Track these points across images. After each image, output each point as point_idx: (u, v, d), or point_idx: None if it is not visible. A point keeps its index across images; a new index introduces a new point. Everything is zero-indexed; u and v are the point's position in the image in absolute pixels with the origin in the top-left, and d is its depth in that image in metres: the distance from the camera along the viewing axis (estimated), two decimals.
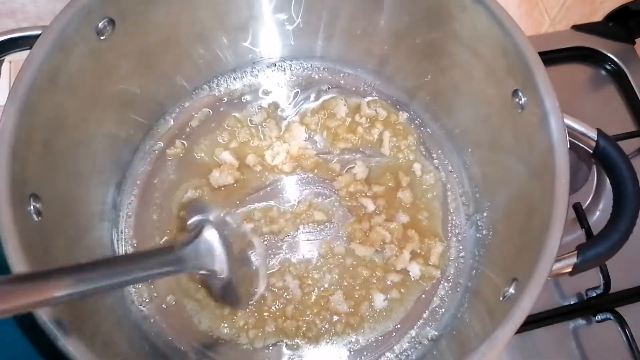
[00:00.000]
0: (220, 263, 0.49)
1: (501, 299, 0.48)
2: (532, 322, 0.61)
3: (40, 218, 0.46)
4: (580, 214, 0.63)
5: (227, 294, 0.54)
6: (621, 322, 0.60)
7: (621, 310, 0.62)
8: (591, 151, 0.48)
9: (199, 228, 0.50)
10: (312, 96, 0.72)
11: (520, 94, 0.51)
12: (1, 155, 0.43)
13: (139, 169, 0.68)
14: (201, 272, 0.50)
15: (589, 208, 0.68)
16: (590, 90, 0.76)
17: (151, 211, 0.65)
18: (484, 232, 0.63)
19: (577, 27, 0.79)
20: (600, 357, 0.62)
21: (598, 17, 0.79)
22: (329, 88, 0.72)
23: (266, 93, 0.72)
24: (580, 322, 0.63)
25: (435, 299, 0.63)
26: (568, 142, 0.45)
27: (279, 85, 0.73)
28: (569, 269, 0.44)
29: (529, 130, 0.50)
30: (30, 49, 0.48)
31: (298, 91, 0.72)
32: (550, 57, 0.76)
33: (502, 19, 0.50)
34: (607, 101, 0.76)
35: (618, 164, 0.46)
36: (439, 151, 0.69)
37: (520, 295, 0.43)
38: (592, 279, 0.63)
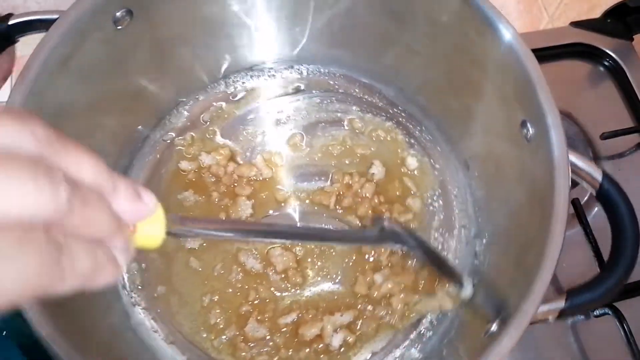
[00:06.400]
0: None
1: (483, 335, 0.47)
2: None
3: None
4: (578, 210, 0.63)
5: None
6: (619, 317, 0.60)
7: (619, 305, 0.61)
8: (594, 192, 0.46)
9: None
10: (326, 102, 0.71)
11: (528, 125, 0.49)
12: None
13: (147, 157, 0.68)
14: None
15: (587, 204, 0.67)
16: (588, 86, 0.77)
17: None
18: (481, 258, 0.61)
19: (576, 24, 0.79)
20: (599, 351, 0.61)
21: (596, 13, 0.80)
22: (343, 96, 0.72)
23: (280, 94, 0.72)
24: (579, 317, 0.63)
25: (424, 321, 0.62)
26: (570, 181, 0.44)
27: (294, 87, 0.72)
28: (556, 314, 0.43)
29: (533, 163, 0.49)
30: (45, 32, 0.49)
31: (312, 94, 0.72)
32: (549, 54, 0.77)
33: (517, 48, 0.48)
34: (605, 97, 0.76)
35: (621, 211, 0.44)
36: (448, 171, 0.68)
37: (501, 335, 0.42)
38: (591, 274, 0.62)
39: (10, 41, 0.50)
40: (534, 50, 0.74)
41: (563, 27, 0.80)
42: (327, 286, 0.62)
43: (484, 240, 0.62)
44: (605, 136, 0.70)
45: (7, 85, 0.62)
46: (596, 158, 0.73)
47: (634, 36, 0.79)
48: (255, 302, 0.61)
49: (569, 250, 0.65)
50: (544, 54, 0.77)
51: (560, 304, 0.43)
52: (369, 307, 0.60)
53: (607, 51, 0.77)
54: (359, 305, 0.61)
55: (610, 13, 0.79)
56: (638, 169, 0.73)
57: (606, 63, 0.78)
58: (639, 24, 0.78)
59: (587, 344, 0.61)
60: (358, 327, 0.60)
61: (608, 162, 0.73)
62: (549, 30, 0.82)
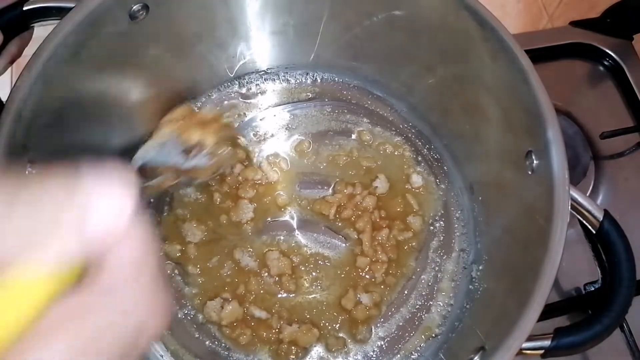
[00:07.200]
0: None
1: None
2: None
3: None
4: None
5: None
6: None
7: None
8: (594, 231, 0.45)
9: None
10: (337, 112, 0.71)
11: (533, 156, 0.48)
12: (5, 119, 0.44)
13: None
14: None
15: None
16: (588, 85, 0.77)
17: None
18: (476, 284, 0.60)
19: (575, 23, 0.79)
20: (598, 350, 0.59)
21: (596, 13, 0.80)
22: (355, 107, 0.71)
23: (293, 99, 0.72)
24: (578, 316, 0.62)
25: (415, 342, 0.61)
26: (568, 217, 0.43)
27: (307, 93, 0.72)
28: (541, 352, 0.42)
29: (533, 195, 0.48)
30: (59, 19, 0.49)
31: (324, 102, 0.71)
32: (549, 53, 0.77)
33: (531, 79, 0.47)
34: (605, 96, 0.76)
35: (619, 253, 0.43)
36: (452, 193, 0.67)
37: None
38: (590, 273, 0.63)
39: (24, 27, 0.50)
40: (534, 50, 0.75)
41: (563, 26, 0.80)
42: (316, 295, 0.62)
43: (481, 267, 0.61)
44: (605, 135, 0.70)
45: (7, 85, 0.63)
46: (596, 157, 0.72)
47: (633, 36, 0.78)
48: (241, 293, 0.61)
49: (569, 249, 0.64)
50: (544, 54, 0.77)
51: (547, 342, 0.42)
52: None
53: (607, 51, 0.77)
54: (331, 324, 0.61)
55: (609, 13, 0.79)
56: (638, 168, 0.73)
57: (606, 63, 0.78)
58: (639, 23, 0.77)
59: None
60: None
61: (608, 162, 0.72)
62: (548, 30, 0.83)
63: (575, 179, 0.70)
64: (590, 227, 0.45)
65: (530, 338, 0.41)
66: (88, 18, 0.50)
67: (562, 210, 0.43)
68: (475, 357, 0.45)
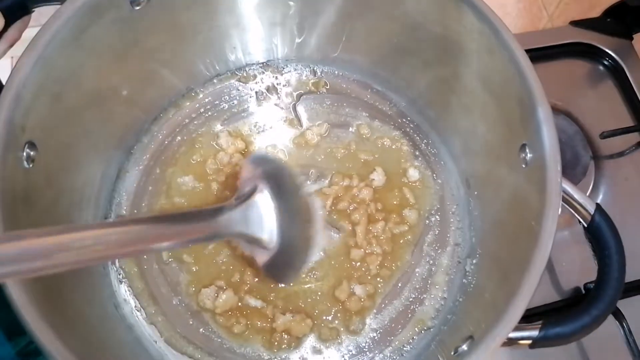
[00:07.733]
0: (269, 232, 0.44)
1: (452, 353, 0.46)
2: (530, 316, 0.60)
3: (31, 166, 0.47)
4: None
5: (271, 268, 0.48)
6: (619, 315, 0.59)
7: (619, 304, 0.60)
8: (585, 225, 0.45)
9: (252, 189, 0.46)
10: (337, 105, 0.71)
11: (527, 149, 0.49)
12: (3, 99, 0.45)
13: (156, 138, 0.69)
14: (246, 239, 0.45)
15: None
16: (588, 85, 0.77)
17: (150, 181, 0.66)
18: (469, 278, 0.61)
19: (575, 23, 0.80)
20: (598, 350, 0.61)
21: (596, 12, 0.80)
22: (354, 100, 0.72)
23: (292, 92, 0.72)
24: None
25: (408, 334, 0.61)
26: (560, 208, 0.43)
27: (307, 86, 0.72)
28: (528, 342, 0.42)
29: (526, 189, 0.48)
30: (60, 4, 0.50)
31: (324, 95, 0.72)
32: (549, 53, 0.78)
33: (527, 73, 0.47)
34: (605, 96, 0.77)
35: (609, 246, 0.43)
36: (449, 187, 0.67)
37: (469, 357, 0.41)
38: (590, 272, 0.63)
39: (25, 10, 0.51)
40: (534, 50, 0.76)
41: (563, 26, 0.80)
42: (311, 285, 0.62)
43: (475, 260, 0.61)
44: (604, 135, 0.71)
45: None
46: (596, 157, 0.73)
47: (633, 35, 0.79)
48: (236, 281, 0.61)
49: (570, 249, 0.66)
50: (544, 53, 0.77)
51: (534, 332, 0.42)
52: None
53: (607, 50, 0.77)
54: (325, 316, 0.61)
55: (609, 12, 0.79)
56: (638, 168, 0.73)
57: (606, 62, 0.78)
58: (639, 23, 0.77)
59: (587, 343, 0.61)
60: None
61: (608, 161, 0.73)
62: (548, 29, 0.83)
63: (575, 178, 0.70)
64: (582, 220, 0.45)
65: (518, 327, 0.41)
66: (89, 3, 0.50)
67: (553, 201, 0.43)
68: (464, 346, 0.45)
